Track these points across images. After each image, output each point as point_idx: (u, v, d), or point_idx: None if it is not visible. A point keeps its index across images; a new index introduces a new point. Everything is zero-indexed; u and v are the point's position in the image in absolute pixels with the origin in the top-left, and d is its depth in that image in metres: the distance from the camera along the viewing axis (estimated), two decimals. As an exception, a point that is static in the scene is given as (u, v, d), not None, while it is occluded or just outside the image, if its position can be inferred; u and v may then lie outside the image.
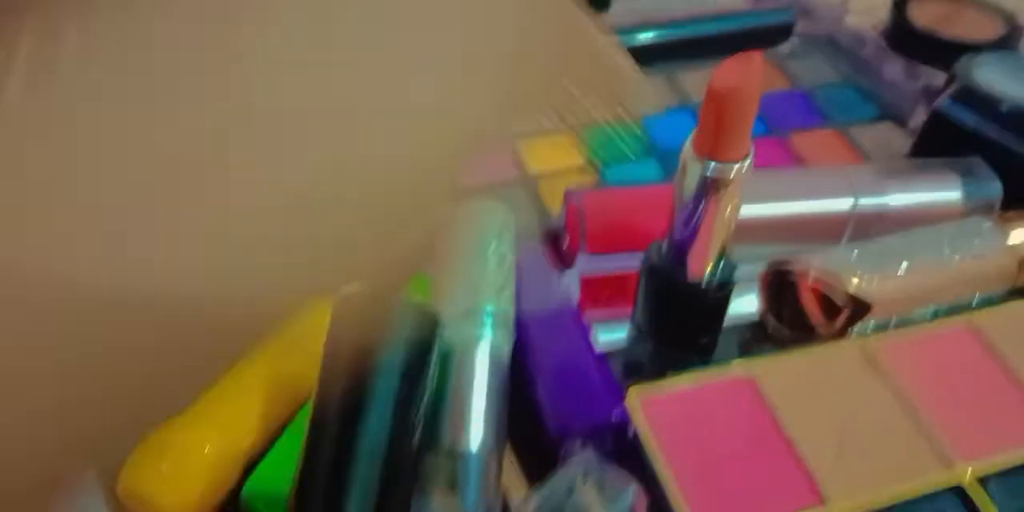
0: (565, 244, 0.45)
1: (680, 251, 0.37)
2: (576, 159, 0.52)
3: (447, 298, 0.36)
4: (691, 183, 0.34)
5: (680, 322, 0.40)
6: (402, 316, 0.32)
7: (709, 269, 0.38)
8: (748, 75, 0.32)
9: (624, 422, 0.36)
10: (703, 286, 0.38)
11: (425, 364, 0.33)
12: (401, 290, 0.40)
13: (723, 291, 0.39)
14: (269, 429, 0.36)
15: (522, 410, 0.37)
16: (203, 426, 0.34)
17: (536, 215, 0.48)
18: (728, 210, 0.35)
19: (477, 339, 0.35)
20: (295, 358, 0.37)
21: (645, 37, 0.59)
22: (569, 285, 0.44)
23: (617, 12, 0.64)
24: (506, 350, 0.36)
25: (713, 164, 0.33)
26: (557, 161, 0.52)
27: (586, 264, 0.44)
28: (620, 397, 0.36)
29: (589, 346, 0.38)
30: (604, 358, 0.38)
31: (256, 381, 0.36)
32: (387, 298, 0.32)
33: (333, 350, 0.33)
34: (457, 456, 0.33)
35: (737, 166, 0.34)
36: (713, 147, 0.33)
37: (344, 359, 0.32)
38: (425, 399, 0.33)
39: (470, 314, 0.35)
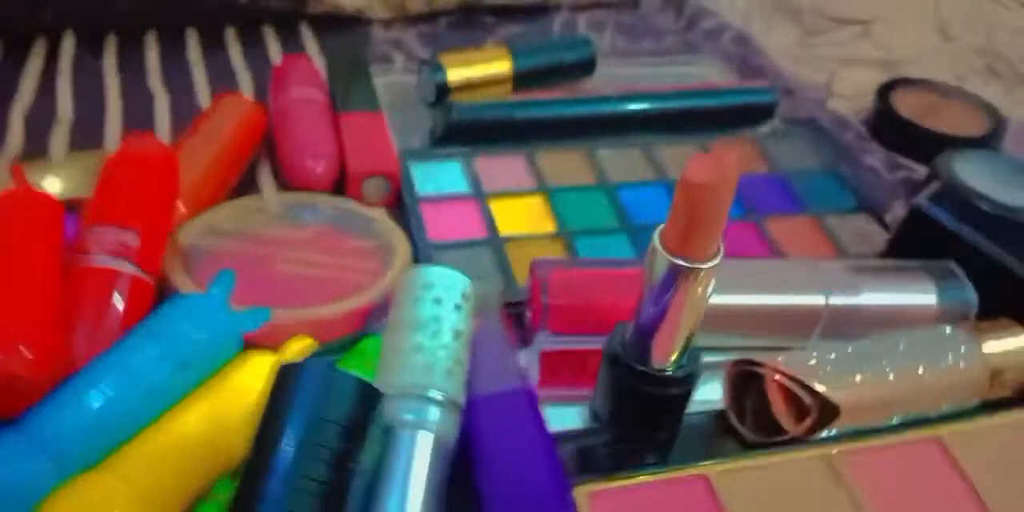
0: (527, 317, 0.43)
1: (644, 340, 0.36)
2: (548, 225, 0.50)
3: (395, 373, 0.34)
4: (659, 274, 0.33)
5: (639, 413, 0.38)
6: (341, 390, 0.30)
7: (673, 360, 0.36)
8: (723, 171, 0.31)
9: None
10: (665, 377, 0.36)
11: (358, 444, 0.30)
12: (344, 359, 0.37)
13: (685, 384, 0.37)
14: (191, 493, 0.33)
15: (464, 499, 0.34)
16: (117, 484, 0.31)
17: (500, 282, 0.46)
18: (695, 304, 0.34)
19: (421, 424, 0.32)
20: (228, 416, 0.34)
21: (626, 107, 0.57)
22: (527, 363, 0.41)
23: (600, 79, 0.63)
24: (452, 437, 0.34)
25: (682, 261, 0.32)
26: (528, 225, 0.50)
27: (546, 341, 0.42)
28: (568, 494, 0.33)
29: (541, 435, 0.35)
30: (555, 449, 0.35)
31: (183, 438, 0.33)
32: (327, 368, 0.30)
33: (267, 419, 0.30)
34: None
35: (706, 266, 0.32)
36: (683, 244, 0.32)
37: (276, 429, 0.30)
38: (357, 479, 0.31)
39: (417, 397, 0.33)
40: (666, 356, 0.36)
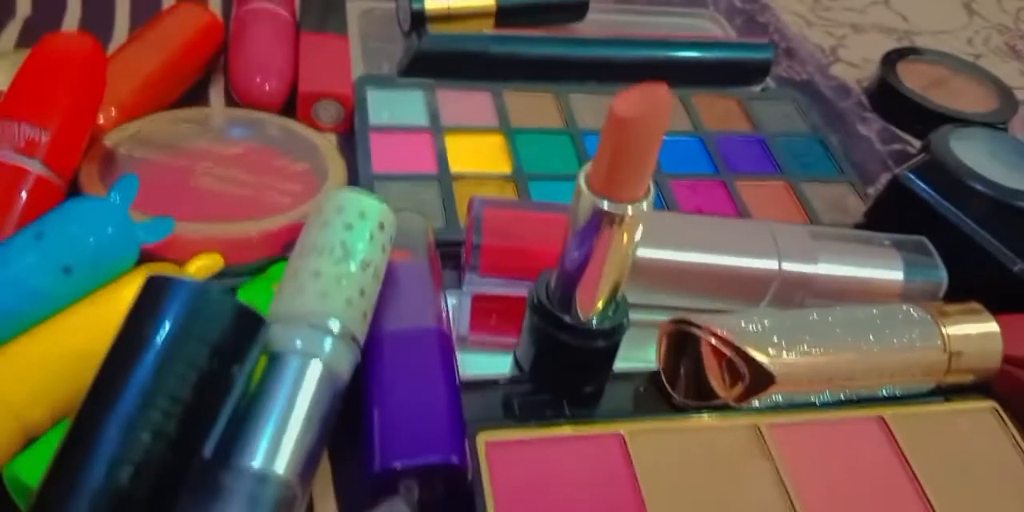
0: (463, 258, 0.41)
1: (567, 288, 0.33)
2: (503, 166, 0.47)
3: (290, 298, 0.32)
4: (583, 218, 0.30)
5: (560, 365, 0.36)
6: (213, 310, 0.28)
7: (599, 311, 0.34)
8: (653, 106, 0.28)
9: (462, 467, 0.31)
10: (589, 329, 0.34)
11: (230, 368, 0.28)
12: (250, 283, 0.35)
13: (611, 337, 0.35)
14: (61, 407, 0.31)
15: (354, 437, 0.32)
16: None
17: (441, 219, 0.43)
18: (621, 251, 0.31)
19: (311, 353, 0.30)
20: (112, 329, 0.32)
21: (607, 52, 0.54)
22: (459, 305, 0.39)
23: (591, 24, 0.60)
24: (345, 371, 0.31)
25: (606, 202, 0.29)
26: (482, 164, 0.47)
27: (477, 283, 0.39)
28: (460, 439, 0.31)
29: (446, 377, 0.33)
30: (457, 392, 0.33)
31: (60, 350, 0.31)
32: (199, 285, 0.27)
33: (129, 331, 0.28)
34: (255, 476, 0.28)
35: (632, 207, 0.29)
36: (607, 183, 0.29)
37: (136, 342, 0.28)
38: (231, 404, 0.29)
39: (309, 324, 0.31)
40: (590, 306, 0.33)
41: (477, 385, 0.36)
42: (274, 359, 0.30)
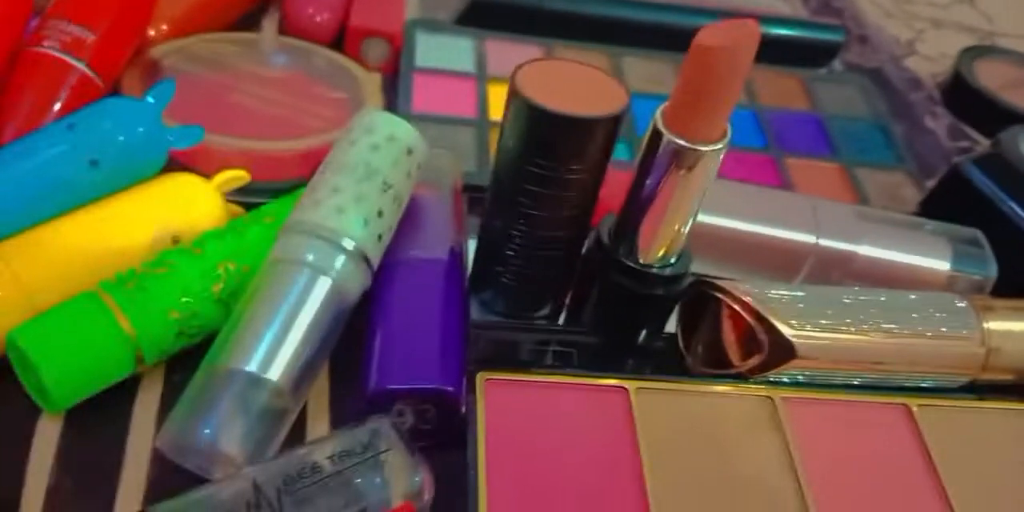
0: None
1: (632, 229, 0.32)
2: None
3: (308, 211, 0.31)
4: (655, 156, 0.30)
5: (617, 312, 0.35)
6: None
7: (661, 256, 0.33)
8: (742, 36, 0.27)
9: (456, 396, 0.30)
10: (648, 273, 0.33)
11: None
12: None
13: (673, 284, 0.33)
14: (69, 289, 0.31)
15: (357, 359, 0.31)
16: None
17: (474, 163, 0.43)
18: (692, 191, 0.30)
19: (322, 270, 0.30)
20: (128, 225, 0.32)
21: (668, 17, 0.52)
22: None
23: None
24: (354, 290, 0.31)
25: (683, 141, 0.29)
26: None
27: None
28: (460, 373, 0.31)
29: (456, 310, 0.33)
30: (464, 327, 0.32)
31: (78, 241, 0.31)
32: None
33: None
34: (248, 379, 0.28)
35: (709, 149, 0.29)
36: (686, 121, 0.29)
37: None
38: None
39: (324, 238, 0.30)
40: (653, 250, 0.32)
41: (491, 327, 0.35)
42: (283, 268, 0.30)
